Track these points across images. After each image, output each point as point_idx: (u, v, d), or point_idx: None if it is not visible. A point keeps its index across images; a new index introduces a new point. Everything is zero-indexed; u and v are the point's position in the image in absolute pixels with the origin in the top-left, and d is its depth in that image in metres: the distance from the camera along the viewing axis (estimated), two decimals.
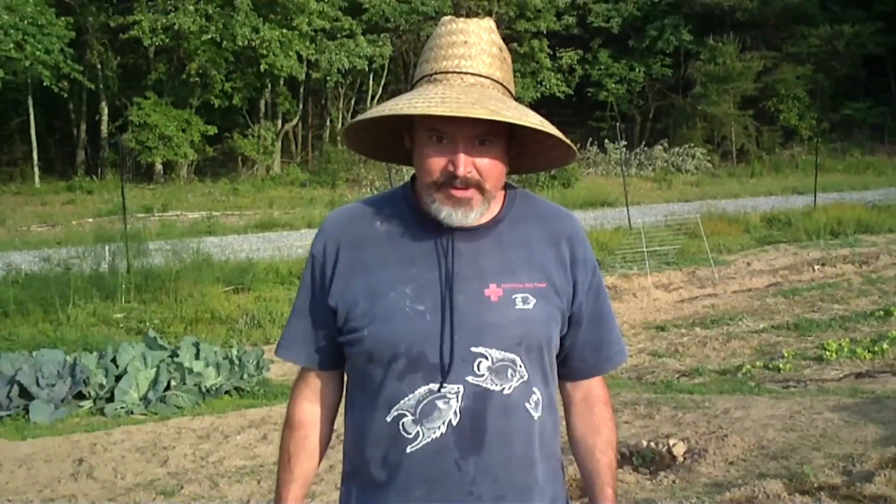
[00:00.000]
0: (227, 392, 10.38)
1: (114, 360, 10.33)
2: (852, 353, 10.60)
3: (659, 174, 41.01)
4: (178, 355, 10.48)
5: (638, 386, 10.04)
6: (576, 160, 2.25)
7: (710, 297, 16.23)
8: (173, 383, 10.10)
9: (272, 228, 24.76)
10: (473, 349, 2.09)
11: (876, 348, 10.68)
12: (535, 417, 2.18)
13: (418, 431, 2.10)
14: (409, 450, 2.11)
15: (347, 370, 2.25)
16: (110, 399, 9.92)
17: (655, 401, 9.04)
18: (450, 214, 2.09)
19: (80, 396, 10.12)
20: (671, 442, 7.37)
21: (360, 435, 2.19)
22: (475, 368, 2.10)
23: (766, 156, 46.27)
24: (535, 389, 2.17)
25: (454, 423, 2.09)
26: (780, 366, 10.36)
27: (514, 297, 2.14)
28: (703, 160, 43.61)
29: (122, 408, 9.76)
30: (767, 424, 7.83)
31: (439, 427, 2.09)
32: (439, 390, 2.09)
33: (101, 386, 10.04)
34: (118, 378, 10.10)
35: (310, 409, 2.30)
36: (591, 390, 2.37)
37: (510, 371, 2.12)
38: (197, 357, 10.52)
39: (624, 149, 38.84)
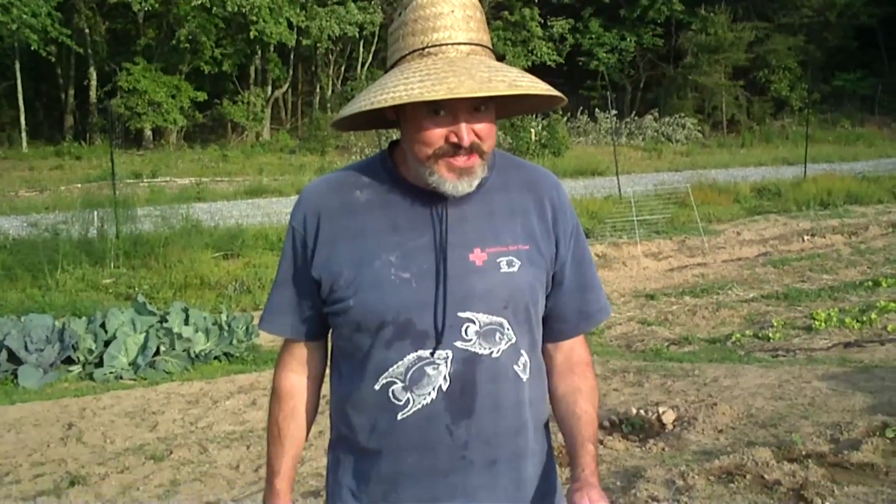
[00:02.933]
0: (216, 357, 10.37)
1: (103, 326, 10.31)
2: (841, 323, 10.64)
3: (649, 144, 41.01)
4: (167, 321, 10.46)
5: (627, 354, 10.06)
6: (562, 104, 2.22)
7: (700, 267, 16.25)
8: (162, 349, 10.08)
9: (261, 195, 24.72)
10: (461, 314, 2.08)
11: (864, 318, 10.72)
12: (524, 380, 2.18)
13: (408, 398, 2.09)
14: (399, 417, 2.10)
15: (333, 339, 2.24)
16: (99, 364, 9.90)
17: (645, 368, 9.06)
18: (455, 186, 2.05)
19: (68, 361, 10.10)
20: (660, 409, 7.38)
21: (349, 403, 2.18)
22: (463, 333, 2.09)
23: (757, 126, 46.32)
24: (522, 352, 2.17)
25: (444, 388, 2.08)
26: (770, 335, 10.39)
27: (498, 260, 2.13)
28: (694, 130, 43.63)
29: (111, 373, 9.75)
30: (756, 393, 7.86)
31: (429, 393, 2.08)
32: (432, 356, 2.08)
33: (90, 351, 10.02)
34: (107, 343, 10.08)
35: (297, 380, 2.28)
36: (573, 351, 2.34)
37: (498, 334, 2.12)
38: (186, 322, 10.51)
39: (614, 118, 38.84)
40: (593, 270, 2.36)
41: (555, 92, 2.08)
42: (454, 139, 2.02)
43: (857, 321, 10.65)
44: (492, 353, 2.11)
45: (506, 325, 2.13)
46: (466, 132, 2.02)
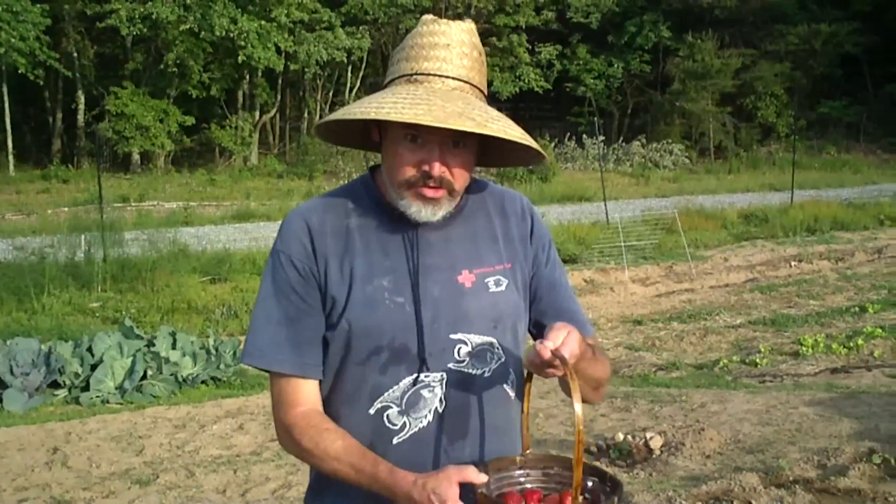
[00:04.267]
0: (203, 382, 10.33)
1: (89, 349, 10.26)
2: (828, 349, 10.65)
3: (637, 170, 41.14)
4: (154, 345, 10.43)
5: (615, 379, 10.04)
6: (544, 162, 2.25)
7: (688, 292, 16.28)
8: (150, 373, 10.04)
9: (249, 219, 24.70)
10: (453, 336, 2.11)
11: (851, 344, 10.74)
12: (512, 397, 2.21)
13: (405, 422, 2.10)
14: (395, 441, 2.10)
15: (325, 371, 2.19)
16: (85, 388, 9.85)
17: (632, 394, 9.06)
18: (419, 211, 2.09)
19: (54, 385, 10.05)
20: (648, 435, 7.37)
21: None
22: (456, 354, 2.11)
23: (744, 153, 46.53)
24: (511, 371, 2.20)
25: (440, 410, 2.11)
26: (757, 360, 10.40)
27: (486, 280, 2.17)
28: (681, 156, 43.79)
29: (97, 397, 9.70)
30: (744, 419, 7.86)
31: (425, 416, 2.10)
32: (423, 379, 2.09)
33: (77, 375, 9.97)
34: (94, 367, 10.03)
35: (310, 411, 2.16)
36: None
37: (489, 354, 2.15)
38: (174, 347, 10.48)
39: (602, 144, 38.92)
40: (572, 291, 2.39)
41: (530, 142, 2.09)
42: (426, 168, 2.05)
43: (845, 347, 10.67)
44: (484, 372, 2.14)
45: (496, 344, 2.16)
46: (438, 166, 2.05)
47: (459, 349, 2.11)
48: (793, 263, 18.90)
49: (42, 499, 6.74)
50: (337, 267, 2.12)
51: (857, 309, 13.32)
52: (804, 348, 10.74)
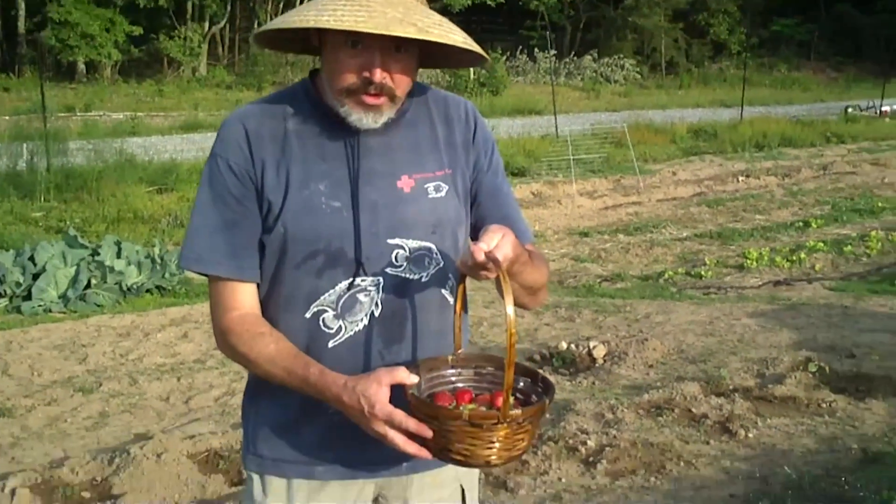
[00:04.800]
0: (148, 291, 10.25)
1: (31, 258, 10.12)
2: (772, 262, 10.79)
3: (587, 84, 41.07)
4: (99, 254, 10.30)
5: (560, 289, 10.11)
6: (486, 65, 2.20)
7: (635, 205, 16.37)
8: (94, 282, 9.94)
9: (197, 130, 24.40)
10: (390, 241, 2.08)
11: (794, 258, 10.88)
12: (450, 303, 2.18)
13: (340, 326, 2.08)
14: (330, 344, 2.08)
15: (262, 274, 2.15)
16: (27, 297, 9.73)
17: (577, 304, 9.13)
18: (360, 119, 2.04)
19: None
20: (591, 344, 7.44)
21: None
22: (393, 259, 2.09)
23: (695, 69, 46.60)
24: (450, 276, 2.18)
25: (376, 314, 2.08)
26: (702, 273, 10.51)
27: (426, 186, 2.13)
28: (632, 71, 43.77)
29: (39, 306, 9.60)
30: (687, 329, 7.95)
31: (361, 320, 2.08)
32: (360, 283, 2.07)
33: (18, 284, 9.84)
34: (36, 276, 9.90)
35: (246, 315, 2.13)
36: None
37: (427, 259, 2.12)
38: (118, 256, 10.37)
39: (553, 58, 38.69)
40: (514, 197, 2.36)
41: (473, 46, 2.04)
42: (367, 75, 2.00)
43: (788, 260, 10.81)
44: (421, 277, 2.12)
45: (434, 249, 2.13)
46: (379, 72, 2.00)
47: (397, 254, 2.09)
48: (740, 178, 19.04)
49: None
50: (273, 171, 2.07)
51: (801, 224, 13.49)
52: (749, 261, 10.86)
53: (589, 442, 5.49)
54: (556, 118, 23.46)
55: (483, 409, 1.93)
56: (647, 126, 23.74)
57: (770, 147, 22.69)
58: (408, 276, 2.10)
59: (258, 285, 2.13)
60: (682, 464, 5.19)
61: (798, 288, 9.61)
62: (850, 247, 11.43)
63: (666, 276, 10.51)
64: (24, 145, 16.25)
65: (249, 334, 2.07)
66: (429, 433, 1.87)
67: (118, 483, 5.23)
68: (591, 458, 5.31)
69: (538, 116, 28.31)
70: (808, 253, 11.04)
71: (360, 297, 2.07)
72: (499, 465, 1.95)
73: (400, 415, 1.88)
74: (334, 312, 2.08)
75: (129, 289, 10.09)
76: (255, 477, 2.21)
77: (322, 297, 2.08)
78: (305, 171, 2.07)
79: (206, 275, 2.13)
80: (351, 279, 2.06)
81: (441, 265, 2.14)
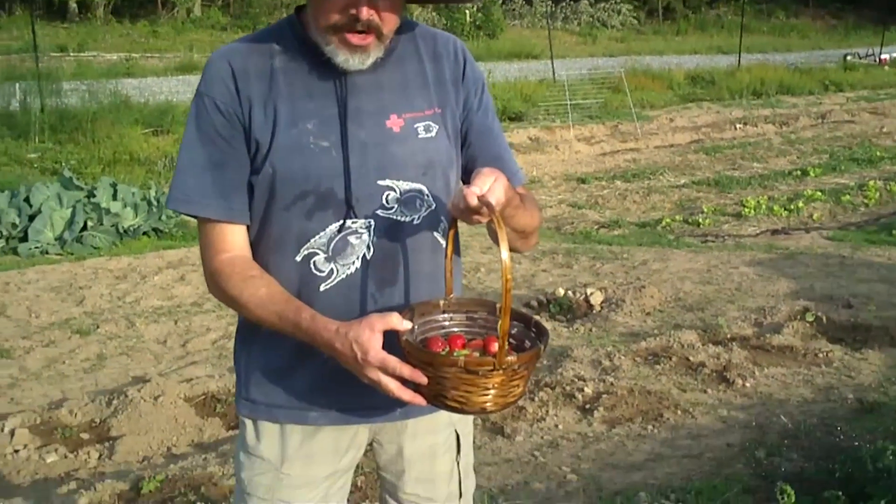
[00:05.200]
0: (144, 233, 10.22)
1: (27, 200, 10.07)
2: (769, 211, 10.78)
3: (584, 29, 40.76)
4: (94, 196, 10.25)
5: (557, 236, 10.11)
6: (476, 3, 2.16)
7: (632, 152, 16.32)
8: (90, 224, 9.90)
9: (192, 71, 24.16)
10: (380, 182, 2.05)
11: (792, 206, 10.88)
12: (443, 245, 2.15)
13: (331, 269, 2.05)
14: (322, 288, 2.06)
15: (251, 216, 2.11)
16: (24, 239, 9.70)
17: (574, 251, 9.12)
18: (346, 60, 2.00)
19: None
20: (589, 291, 7.44)
21: None
22: (384, 201, 2.06)
23: (693, 15, 46.20)
24: (442, 217, 2.15)
25: (367, 257, 2.06)
26: (700, 221, 10.50)
27: (415, 126, 2.10)
28: (629, 16, 43.42)
29: (36, 247, 9.56)
30: (685, 277, 7.96)
31: (353, 263, 2.05)
32: (350, 225, 2.04)
33: (14, 225, 9.80)
34: (32, 218, 9.85)
35: (236, 257, 2.10)
36: None
37: (418, 201, 2.09)
38: (114, 198, 10.31)
39: (550, 2, 38.41)
40: (504, 138, 2.33)
41: None
42: (353, 13, 1.95)
43: (785, 209, 10.80)
44: (413, 220, 2.09)
45: (425, 191, 2.10)
46: (366, 10, 1.95)
47: (387, 196, 2.06)
48: (738, 126, 18.98)
49: None
50: (261, 110, 2.03)
51: (798, 172, 13.46)
52: (746, 209, 10.85)
53: (586, 389, 5.51)
54: (552, 63, 23.30)
55: (477, 354, 1.92)
56: (645, 72, 23.62)
57: (768, 95, 22.60)
58: (399, 218, 2.07)
59: (248, 227, 2.11)
60: (679, 412, 5.21)
61: (796, 237, 9.61)
62: (847, 196, 11.43)
63: (663, 223, 10.50)
64: (17, 85, 16.08)
65: (240, 277, 2.04)
66: (424, 380, 1.86)
67: (116, 425, 5.25)
68: (587, 405, 5.33)
69: (535, 61, 28.12)
70: (805, 202, 11.03)
71: (352, 239, 2.05)
72: (494, 412, 1.94)
73: (394, 361, 1.86)
74: (325, 255, 2.05)
75: (125, 231, 10.05)
76: (248, 422, 2.20)
77: (312, 240, 2.05)
78: (293, 109, 2.03)
79: (194, 216, 2.09)
80: (341, 221, 2.04)
81: (433, 207, 2.12)
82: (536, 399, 5.37)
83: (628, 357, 6.03)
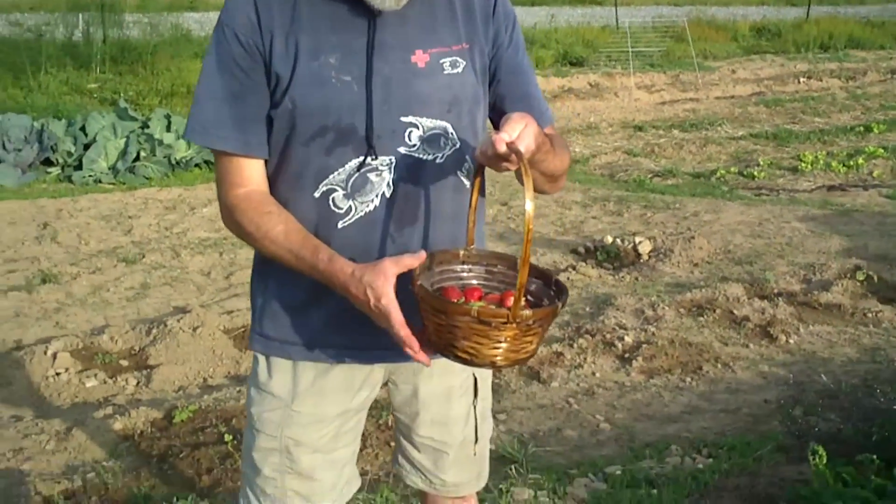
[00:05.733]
0: (196, 165, 10.25)
1: (83, 129, 10.16)
2: (827, 166, 10.55)
3: None
4: (148, 126, 10.31)
5: (610, 183, 9.99)
6: None
7: (692, 102, 16.06)
8: (143, 154, 9.96)
9: None
10: (403, 119, 1.98)
11: (851, 163, 10.63)
12: (467, 186, 2.09)
13: (350, 206, 2.00)
14: (340, 225, 2.00)
15: (270, 151, 2.05)
16: (78, 167, 9.79)
17: (626, 199, 9.03)
18: (382, 1, 1.93)
19: (47, 163, 10.00)
20: (637, 240, 7.36)
21: None
22: (406, 138, 1.99)
23: None
24: (467, 157, 2.08)
25: (387, 195, 2.00)
26: (755, 173, 10.31)
27: (441, 62, 2.02)
28: None
29: (90, 176, 9.65)
30: (735, 230, 7.85)
31: (372, 200, 2.00)
32: (371, 162, 1.98)
33: (70, 154, 9.90)
34: (87, 147, 9.95)
35: (253, 192, 2.04)
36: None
37: (442, 140, 2.03)
38: (168, 129, 10.36)
39: None
40: (534, 75, 2.25)
41: None
42: None
43: (844, 165, 10.56)
44: (436, 158, 2.03)
45: (450, 129, 2.03)
46: None
47: (410, 133, 1.99)
48: (802, 80, 18.60)
49: (30, 271, 6.78)
50: (282, 41, 1.97)
51: (861, 128, 13.15)
52: (803, 164, 10.64)
53: (626, 338, 5.46)
54: (616, 9, 23.02)
55: (493, 307, 1.86)
56: (709, 22, 23.22)
57: (836, 49, 22.10)
58: (422, 156, 2.01)
59: (266, 162, 2.05)
60: (718, 365, 5.16)
61: (853, 194, 9.40)
62: None
63: (718, 174, 10.32)
64: (80, 16, 16.16)
65: (256, 213, 2.00)
66: (416, 346, 1.84)
67: (154, 354, 5.30)
68: (626, 355, 5.29)
69: (598, 7, 27.78)
70: (866, 158, 10.77)
71: (372, 176, 1.99)
72: (503, 367, 1.89)
73: (397, 319, 1.83)
74: (344, 192, 1.99)
75: (177, 162, 10.10)
76: (261, 358, 2.16)
77: (331, 176, 1.99)
78: (315, 41, 1.97)
79: (210, 148, 2.04)
80: (362, 158, 1.98)
81: (457, 146, 2.05)
82: (575, 346, 5.33)
83: (672, 308, 5.97)
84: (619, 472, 3.83)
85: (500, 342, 1.79)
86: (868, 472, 3.35)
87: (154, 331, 5.52)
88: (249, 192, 2.03)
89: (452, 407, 2.27)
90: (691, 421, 4.52)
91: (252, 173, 2.04)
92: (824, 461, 3.26)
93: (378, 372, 2.18)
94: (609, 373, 5.07)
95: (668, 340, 5.44)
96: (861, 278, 6.46)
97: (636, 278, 6.71)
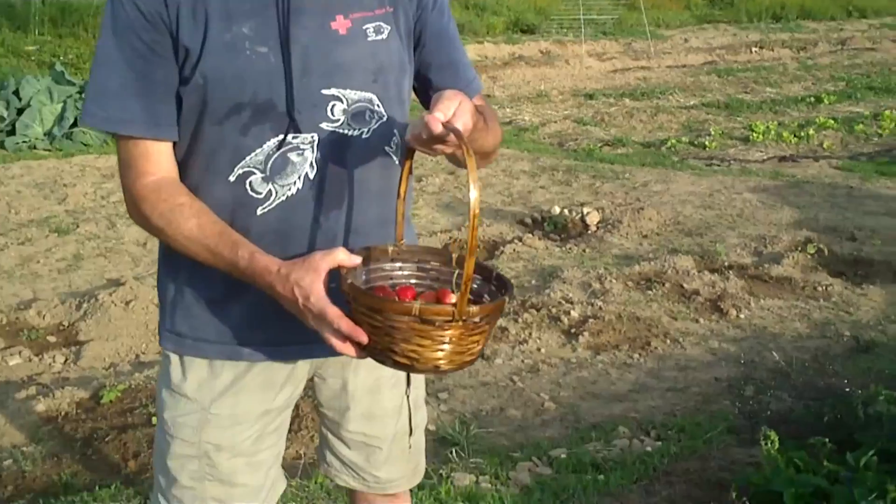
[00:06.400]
0: None
1: (16, 93, 9.81)
2: (778, 137, 10.48)
3: None
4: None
5: (559, 152, 9.84)
6: None
7: (644, 70, 15.97)
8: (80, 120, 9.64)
9: None
10: (325, 91, 1.79)
11: (802, 133, 10.57)
12: (397, 162, 1.92)
13: (270, 190, 1.80)
14: (259, 211, 1.80)
15: (180, 131, 1.82)
16: (11, 132, 9.45)
17: (575, 168, 8.88)
18: None
19: None
20: (585, 210, 7.23)
21: None
22: (329, 113, 1.80)
23: None
24: (395, 131, 1.90)
25: (311, 176, 1.81)
26: (706, 143, 10.22)
27: (364, 27, 1.83)
28: None
29: (24, 142, 9.33)
30: (686, 200, 7.73)
31: (294, 183, 1.80)
32: (291, 141, 1.79)
33: (2, 118, 9.56)
34: (20, 111, 9.61)
35: (162, 181, 1.81)
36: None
37: (368, 112, 1.84)
38: None
39: None
40: (460, 41, 2.07)
41: None
42: None
43: (795, 136, 10.50)
44: (362, 133, 1.84)
45: (375, 101, 1.84)
46: None
47: (333, 107, 1.80)
48: (753, 49, 18.58)
49: None
50: (189, 9, 1.74)
51: (812, 99, 13.12)
52: (755, 134, 10.55)
53: (573, 312, 5.32)
54: None
55: (436, 305, 1.67)
56: None
57: (787, 19, 22.14)
58: (347, 132, 1.82)
59: (175, 145, 1.83)
60: (668, 341, 5.03)
61: (804, 165, 9.33)
62: (861, 125, 11.08)
63: (669, 144, 10.21)
64: None
65: (166, 205, 1.77)
66: (364, 338, 1.63)
67: (84, 329, 5.08)
68: (573, 330, 5.14)
69: None
70: (817, 129, 10.71)
71: (293, 156, 1.79)
72: (448, 372, 1.70)
73: (333, 313, 1.63)
74: (262, 175, 1.79)
75: None
76: (173, 357, 1.94)
77: (248, 158, 1.79)
78: (226, 8, 1.75)
79: (114, 134, 1.81)
80: (281, 136, 1.78)
81: (384, 119, 1.87)
82: (520, 320, 5.18)
83: (620, 281, 5.83)
84: (564, 456, 3.68)
85: (445, 343, 1.60)
86: (820, 455, 3.22)
87: (85, 305, 5.29)
88: (159, 180, 1.80)
89: (384, 399, 2.09)
90: (639, 400, 4.39)
91: (161, 159, 1.81)
92: (776, 447, 3.13)
93: (302, 367, 1.99)
94: (555, 349, 4.92)
95: (616, 315, 5.31)
96: (812, 251, 6.36)
97: (584, 250, 6.56)
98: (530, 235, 6.77)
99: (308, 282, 1.64)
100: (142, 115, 1.76)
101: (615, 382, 4.58)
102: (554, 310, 5.32)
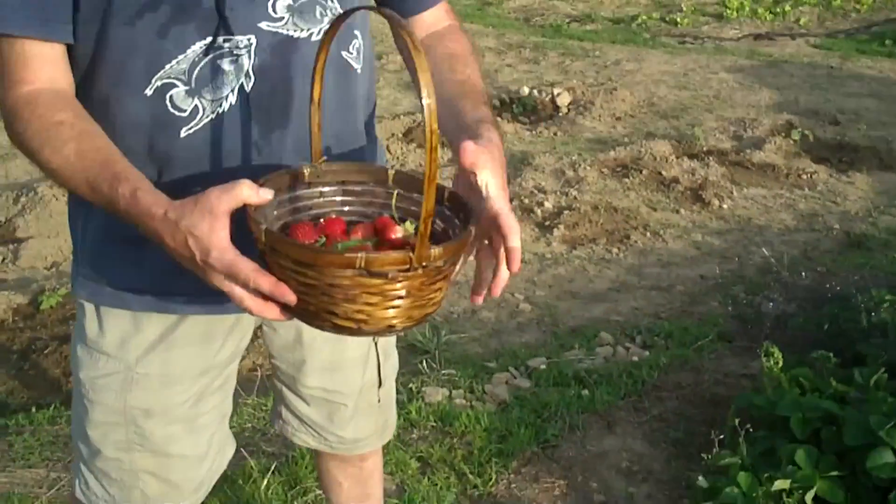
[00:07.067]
0: None
1: None
2: (753, 13, 10.08)
3: None
4: None
5: (525, 28, 9.39)
6: None
7: None
8: None
9: None
10: None
11: (778, 9, 10.18)
12: (358, 70, 1.54)
13: (196, 105, 1.40)
14: (183, 133, 1.41)
15: (79, 33, 1.39)
16: None
17: (542, 45, 8.45)
18: None
19: None
20: (556, 91, 6.84)
21: (106, 123, 1.41)
22: (270, 10, 1.41)
23: None
24: (356, 32, 1.52)
25: (247, 88, 1.41)
26: (678, 20, 9.80)
27: None
28: None
29: None
30: (660, 80, 7.37)
31: (227, 97, 1.41)
32: (222, 44, 1.39)
33: None
34: None
35: (42, 91, 1.38)
36: (438, 21, 1.66)
37: (318, 8, 1.45)
38: None
39: None
40: None
41: None
42: None
43: (770, 12, 10.10)
44: (311, 34, 1.45)
45: None
46: None
47: (275, 3, 1.41)
48: None
49: None
50: None
51: None
52: (728, 11, 10.14)
53: (546, 203, 4.99)
54: None
55: (370, 245, 1.30)
56: None
57: None
58: (292, 32, 1.43)
59: (74, 50, 1.41)
60: (648, 234, 4.73)
61: (780, 43, 8.95)
62: (839, 0, 10.70)
63: (639, 20, 9.79)
64: None
65: (42, 123, 1.34)
66: (291, 297, 1.22)
67: (23, 225, 4.70)
68: (547, 222, 4.82)
69: None
70: (793, 5, 10.30)
71: (224, 64, 1.40)
72: (403, 331, 1.28)
73: (246, 268, 1.22)
74: (186, 87, 1.39)
75: None
76: (88, 307, 1.58)
77: (168, 66, 1.38)
78: None
79: None
80: (209, 39, 1.38)
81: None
82: None
83: (594, 168, 5.50)
84: (543, 367, 3.38)
85: (400, 298, 1.21)
86: (825, 372, 2.94)
87: (23, 198, 4.88)
88: (38, 91, 1.37)
89: (347, 348, 1.76)
90: (620, 300, 4.09)
91: (44, 67, 1.38)
92: (780, 365, 2.83)
93: (246, 320, 1.63)
94: (528, 243, 4.59)
95: (592, 206, 4.98)
96: (796, 137, 6.04)
97: (555, 133, 6.21)
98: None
99: (205, 230, 1.23)
100: (24, 10, 1.34)
101: (593, 280, 4.29)
102: (526, 200, 4.99)
